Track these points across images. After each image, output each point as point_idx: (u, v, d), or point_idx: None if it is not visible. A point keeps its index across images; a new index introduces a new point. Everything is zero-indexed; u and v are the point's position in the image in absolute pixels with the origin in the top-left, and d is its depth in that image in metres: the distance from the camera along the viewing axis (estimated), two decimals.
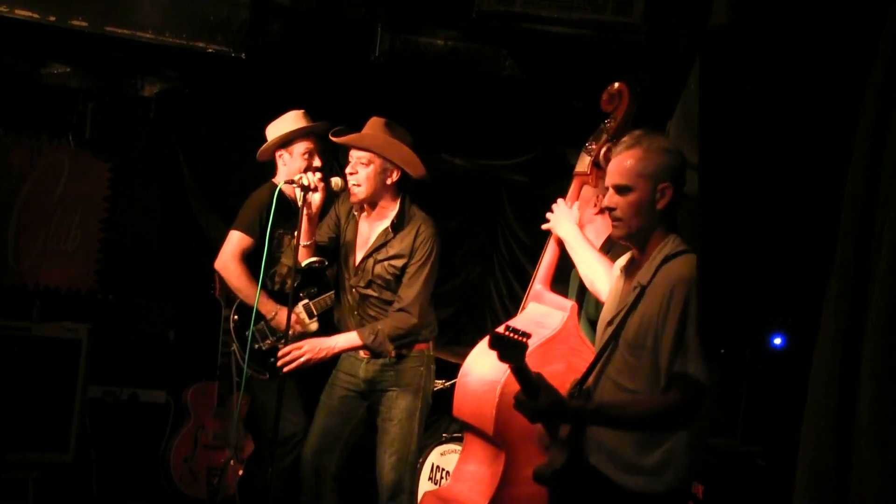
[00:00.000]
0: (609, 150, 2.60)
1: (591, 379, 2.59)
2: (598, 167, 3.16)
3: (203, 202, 5.08)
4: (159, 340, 4.93)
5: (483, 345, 3.23)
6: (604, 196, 3.49)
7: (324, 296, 4.01)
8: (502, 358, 2.43)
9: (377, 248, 3.73)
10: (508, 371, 2.92)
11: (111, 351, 4.71)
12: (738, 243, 1.88)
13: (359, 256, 3.77)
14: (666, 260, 2.49)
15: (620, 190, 2.54)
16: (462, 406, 3.22)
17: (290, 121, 4.03)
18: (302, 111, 4.06)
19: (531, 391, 2.49)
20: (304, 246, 3.62)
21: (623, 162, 2.54)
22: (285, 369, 3.59)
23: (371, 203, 3.74)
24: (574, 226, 3.16)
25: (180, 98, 4.99)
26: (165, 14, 4.33)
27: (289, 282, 3.74)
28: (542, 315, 3.17)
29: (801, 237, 1.87)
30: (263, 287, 3.81)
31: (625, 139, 2.58)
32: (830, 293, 1.73)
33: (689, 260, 2.43)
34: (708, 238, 1.96)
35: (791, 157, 1.85)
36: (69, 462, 4.31)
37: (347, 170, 3.68)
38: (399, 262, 3.69)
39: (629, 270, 2.64)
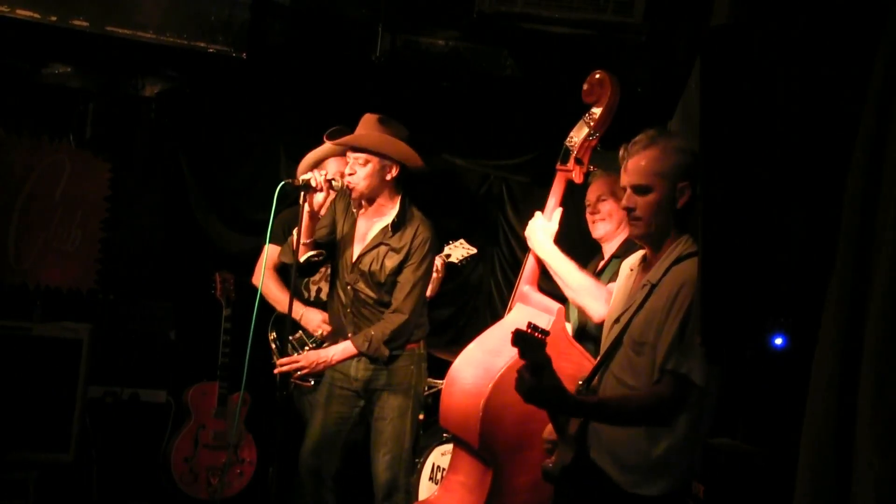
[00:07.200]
0: (625, 150, 2.60)
1: (596, 378, 2.60)
2: (580, 163, 3.15)
3: (203, 202, 5.07)
4: (159, 340, 4.92)
5: (466, 354, 3.22)
6: (596, 197, 3.53)
7: None
8: (523, 356, 2.42)
9: (374, 246, 3.74)
10: (492, 384, 2.93)
11: (111, 351, 4.70)
12: (739, 243, 1.88)
13: (356, 253, 3.78)
14: (678, 260, 2.49)
15: (639, 190, 2.53)
16: (448, 416, 3.19)
17: (325, 147, 4.11)
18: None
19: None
20: (304, 244, 3.65)
21: (640, 162, 2.53)
22: (282, 376, 3.67)
23: (370, 200, 3.75)
24: (551, 246, 3.11)
25: (180, 98, 4.99)
26: (166, 14, 4.33)
27: (324, 288, 4.07)
28: (528, 317, 3.15)
29: (802, 237, 1.87)
30: (298, 296, 4.09)
31: (640, 138, 2.57)
32: (831, 293, 1.72)
33: None
34: (708, 238, 1.95)
35: (792, 156, 1.84)
36: (69, 462, 4.30)
37: (346, 170, 3.69)
38: (395, 261, 3.70)
39: (640, 269, 2.64)
